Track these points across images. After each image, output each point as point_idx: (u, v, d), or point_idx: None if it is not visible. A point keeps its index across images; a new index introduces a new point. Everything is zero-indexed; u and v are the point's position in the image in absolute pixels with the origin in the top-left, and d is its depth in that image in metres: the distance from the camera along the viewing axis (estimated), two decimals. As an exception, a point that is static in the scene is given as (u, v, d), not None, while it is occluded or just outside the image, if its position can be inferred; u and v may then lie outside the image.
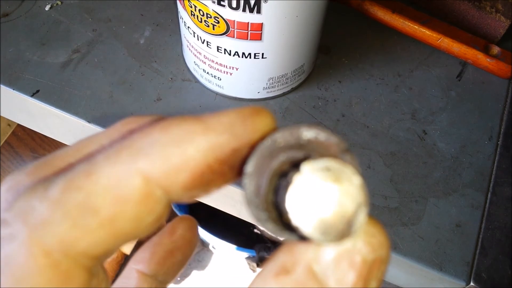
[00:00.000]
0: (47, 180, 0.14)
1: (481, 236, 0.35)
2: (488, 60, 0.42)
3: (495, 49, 0.43)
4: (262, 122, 0.15)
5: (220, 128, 0.14)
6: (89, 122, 0.37)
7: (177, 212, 0.96)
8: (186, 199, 0.15)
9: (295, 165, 0.13)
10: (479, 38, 0.43)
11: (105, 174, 0.13)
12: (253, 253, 0.97)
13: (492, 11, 0.43)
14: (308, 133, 0.14)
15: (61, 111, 0.37)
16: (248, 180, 0.13)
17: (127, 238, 0.14)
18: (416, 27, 0.43)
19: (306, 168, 0.12)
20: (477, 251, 0.34)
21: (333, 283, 0.13)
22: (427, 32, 0.43)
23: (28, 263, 0.13)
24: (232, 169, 0.14)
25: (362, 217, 0.12)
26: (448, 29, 0.43)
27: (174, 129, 0.14)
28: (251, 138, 0.14)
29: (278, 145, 0.14)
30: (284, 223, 0.13)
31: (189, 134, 0.14)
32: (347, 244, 0.13)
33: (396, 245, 0.34)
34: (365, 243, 0.13)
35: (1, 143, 0.70)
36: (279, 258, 0.14)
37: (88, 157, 0.14)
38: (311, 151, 0.14)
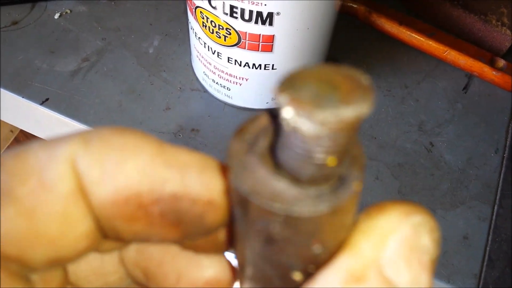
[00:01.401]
0: None
1: (488, 248, 0.35)
2: (494, 73, 0.43)
3: (501, 62, 0.44)
4: (216, 183, 0.12)
5: (173, 163, 0.12)
6: (98, 130, 0.37)
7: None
8: (107, 227, 0.12)
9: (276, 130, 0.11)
10: (485, 51, 0.44)
11: (33, 156, 0.11)
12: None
13: (498, 25, 0.44)
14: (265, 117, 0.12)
15: (71, 119, 0.37)
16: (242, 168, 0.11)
17: (51, 247, 0.12)
18: (423, 39, 0.43)
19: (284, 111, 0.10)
20: (485, 263, 0.34)
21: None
22: (434, 45, 0.43)
23: None
24: (163, 220, 0.12)
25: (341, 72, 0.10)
26: (455, 41, 0.44)
27: (127, 135, 0.12)
28: (197, 193, 0.12)
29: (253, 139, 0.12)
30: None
31: (138, 149, 0.12)
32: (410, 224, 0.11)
33: (405, 257, 0.34)
34: (431, 239, 0.11)
35: (3, 149, 0.70)
36: (343, 262, 0.11)
37: None
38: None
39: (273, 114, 0.12)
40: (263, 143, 0.12)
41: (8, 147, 0.71)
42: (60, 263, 0.12)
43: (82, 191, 0.11)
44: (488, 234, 0.36)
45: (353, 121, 0.10)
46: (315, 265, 0.12)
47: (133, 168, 0.12)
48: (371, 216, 0.12)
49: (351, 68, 0.10)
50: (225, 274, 0.15)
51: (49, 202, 0.11)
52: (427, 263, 0.11)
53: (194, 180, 0.12)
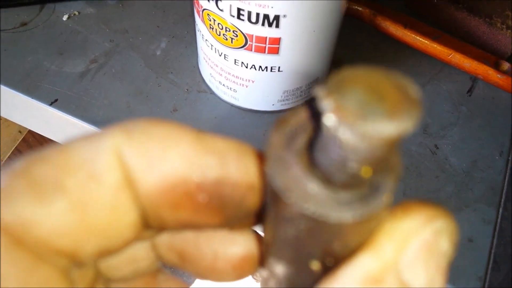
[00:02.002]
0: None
1: (493, 251, 0.35)
2: (499, 76, 0.43)
3: (506, 65, 0.44)
4: (254, 168, 0.13)
5: (212, 150, 0.12)
6: (106, 131, 0.37)
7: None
8: (152, 216, 0.12)
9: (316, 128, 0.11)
10: (490, 54, 0.44)
11: (78, 149, 0.12)
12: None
13: (503, 28, 0.44)
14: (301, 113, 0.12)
15: (79, 120, 0.38)
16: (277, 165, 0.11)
17: (101, 238, 0.12)
18: (428, 42, 0.44)
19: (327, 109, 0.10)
20: (490, 266, 0.34)
21: None
22: (438, 48, 0.44)
23: None
24: (207, 206, 0.12)
25: (396, 78, 0.10)
26: (459, 45, 0.44)
27: (165, 125, 0.12)
28: (238, 178, 0.12)
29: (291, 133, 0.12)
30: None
31: (178, 138, 0.12)
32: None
33: (409, 258, 0.34)
34: (450, 243, 0.12)
35: (12, 149, 0.70)
36: (363, 261, 0.12)
37: None
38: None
39: (313, 110, 0.11)
40: (302, 139, 0.12)
41: (17, 147, 0.72)
42: (107, 254, 0.12)
43: (129, 181, 0.12)
44: (493, 236, 0.36)
45: (395, 138, 0.09)
46: (334, 258, 0.12)
47: (176, 156, 0.12)
48: (395, 217, 0.12)
49: (401, 75, 0.10)
50: (257, 248, 0.16)
51: (99, 193, 0.11)
52: (443, 266, 0.12)
53: (234, 165, 0.12)
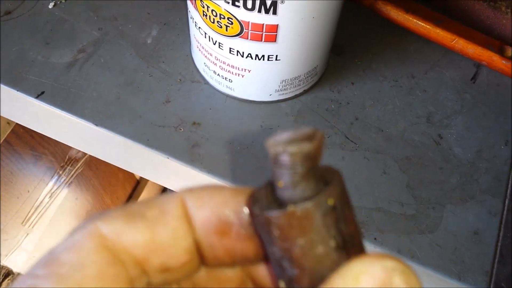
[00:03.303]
0: None
1: (499, 244, 0.34)
2: (504, 62, 0.42)
3: (510, 51, 0.42)
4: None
5: (242, 193, 0.17)
6: (96, 125, 0.36)
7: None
8: (204, 243, 0.17)
9: None
10: (494, 40, 0.43)
11: (157, 198, 0.17)
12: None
13: (507, 12, 0.42)
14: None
15: (67, 113, 0.36)
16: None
17: (163, 255, 0.16)
18: (430, 27, 0.42)
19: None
20: (496, 260, 0.33)
21: None
22: (441, 33, 0.42)
23: (85, 242, 0.15)
24: (245, 236, 0.17)
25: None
26: (463, 30, 0.42)
27: (214, 186, 0.17)
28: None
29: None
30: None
31: (221, 189, 0.18)
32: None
33: (414, 254, 0.33)
34: (404, 282, 0.13)
35: (0, 141, 0.68)
36: None
37: None
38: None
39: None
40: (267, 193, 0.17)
41: (5, 139, 0.70)
42: (167, 272, 0.17)
43: (187, 216, 0.17)
44: (499, 229, 0.35)
45: (304, 154, 0.15)
46: (293, 280, 0.15)
47: (219, 199, 0.17)
48: (348, 262, 0.14)
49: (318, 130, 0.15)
50: None
51: (166, 221, 0.16)
52: None
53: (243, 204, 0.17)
